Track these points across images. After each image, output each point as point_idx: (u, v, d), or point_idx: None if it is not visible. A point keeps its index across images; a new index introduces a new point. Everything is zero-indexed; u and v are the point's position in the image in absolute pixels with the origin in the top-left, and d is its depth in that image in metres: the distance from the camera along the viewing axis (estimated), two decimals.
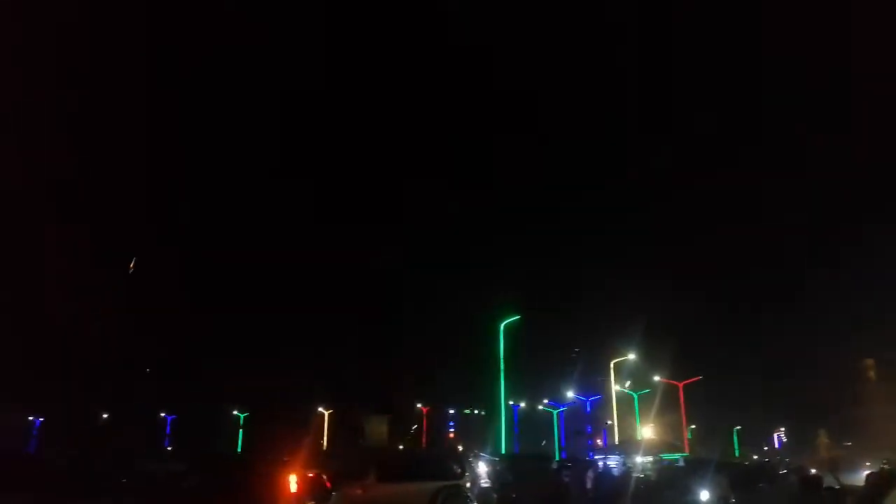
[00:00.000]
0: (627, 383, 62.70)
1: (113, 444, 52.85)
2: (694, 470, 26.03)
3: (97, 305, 55.30)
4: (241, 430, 72.28)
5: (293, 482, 16.29)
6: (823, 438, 69.24)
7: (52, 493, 20.77)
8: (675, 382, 56.64)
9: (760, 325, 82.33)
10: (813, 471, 26.41)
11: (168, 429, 72.60)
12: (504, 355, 38.30)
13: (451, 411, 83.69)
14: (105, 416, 72.06)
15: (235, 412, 73.45)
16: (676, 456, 44.51)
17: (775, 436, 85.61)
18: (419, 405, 75.13)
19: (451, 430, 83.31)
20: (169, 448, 60.53)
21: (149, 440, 64.42)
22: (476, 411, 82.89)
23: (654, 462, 40.31)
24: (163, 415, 72.48)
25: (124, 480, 24.69)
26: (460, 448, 61.55)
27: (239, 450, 65.29)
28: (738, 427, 77.26)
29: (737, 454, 70.29)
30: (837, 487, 18.74)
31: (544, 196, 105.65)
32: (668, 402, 58.98)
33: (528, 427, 71.38)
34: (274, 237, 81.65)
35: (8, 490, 19.97)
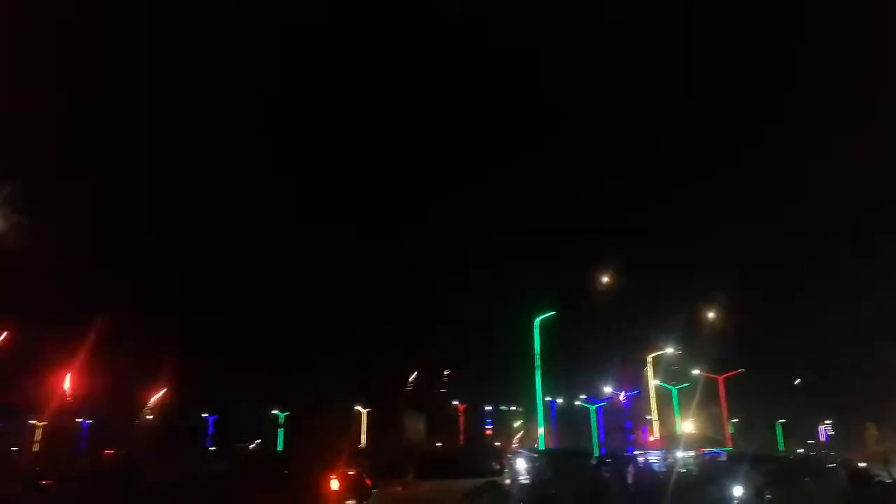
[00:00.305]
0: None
1: (159, 445, 54.20)
2: (729, 465, 25.58)
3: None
4: (280, 430, 73.28)
5: (334, 481, 16.48)
6: (872, 431, 67.14)
7: None
8: (714, 376, 55.77)
9: (802, 315, 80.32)
10: (862, 464, 25.73)
11: (210, 429, 73.88)
12: (540, 351, 38.15)
13: (488, 408, 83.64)
14: (150, 417, 73.84)
15: (275, 411, 74.49)
16: (719, 450, 43.87)
17: (821, 428, 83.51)
18: (455, 402, 75.29)
19: (488, 427, 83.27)
20: (211, 448, 61.71)
21: (192, 440, 65.82)
22: (513, 408, 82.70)
23: (696, 456, 39.82)
24: (204, 415, 73.81)
25: (166, 481, 25.15)
26: (497, 444, 61.58)
27: (279, 449, 66.22)
28: (782, 420, 75.66)
29: (781, 448, 68.85)
30: (889, 481, 18.24)
31: (573, 187, 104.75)
32: (709, 395, 58.11)
33: (566, 423, 70.99)
34: (293, 237, 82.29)
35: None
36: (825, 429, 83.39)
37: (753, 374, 63.81)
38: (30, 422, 65.21)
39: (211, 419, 73.87)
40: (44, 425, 67.21)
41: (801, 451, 68.18)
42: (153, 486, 23.56)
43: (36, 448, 60.31)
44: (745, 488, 21.05)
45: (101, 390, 59.21)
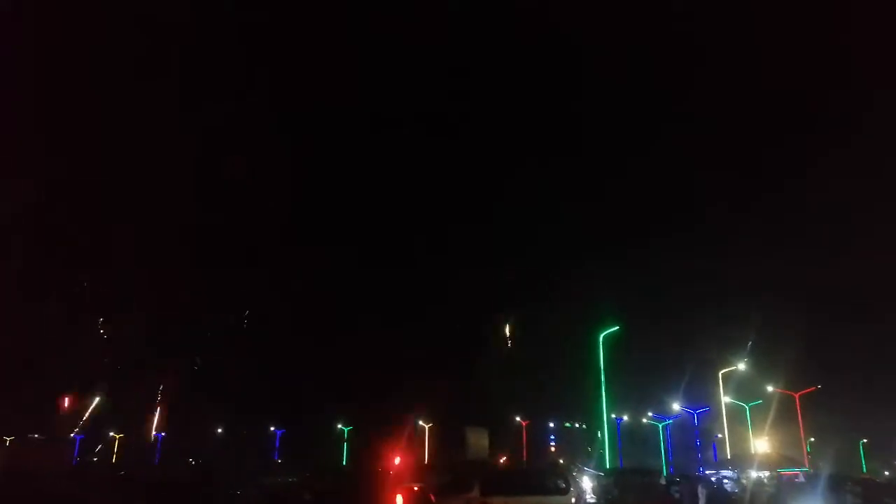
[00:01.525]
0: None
1: (232, 458, 55.76)
2: (807, 487, 24.45)
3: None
4: (345, 444, 74.05)
5: (399, 496, 16.60)
6: None
7: None
8: (790, 393, 53.44)
9: (884, 328, 76.09)
10: None
11: (277, 442, 75.35)
12: (605, 367, 37.49)
13: (552, 424, 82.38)
14: (220, 430, 76.05)
15: (339, 426, 75.41)
16: (796, 470, 42.01)
17: None
18: (518, 418, 74.48)
19: (553, 443, 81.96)
20: (279, 462, 62.90)
21: (260, 454, 67.33)
22: (577, 424, 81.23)
23: (771, 478, 38.26)
24: (272, 429, 75.40)
25: (238, 492, 25.79)
26: (562, 462, 60.57)
27: (344, 464, 66.98)
28: (864, 440, 71.59)
29: (864, 469, 65.10)
30: None
31: (634, 200, 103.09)
32: (784, 413, 55.63)
33: (632, 441, 69.16)
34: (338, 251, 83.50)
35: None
36: None
37: (832, 392, 60.87)
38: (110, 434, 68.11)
39: (278, 433, 75.46)
40: (120, 437, 70.24)
41: (887, 473, 64.51)
42: (231, 496, 24.27)
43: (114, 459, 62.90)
44: None
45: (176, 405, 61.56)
